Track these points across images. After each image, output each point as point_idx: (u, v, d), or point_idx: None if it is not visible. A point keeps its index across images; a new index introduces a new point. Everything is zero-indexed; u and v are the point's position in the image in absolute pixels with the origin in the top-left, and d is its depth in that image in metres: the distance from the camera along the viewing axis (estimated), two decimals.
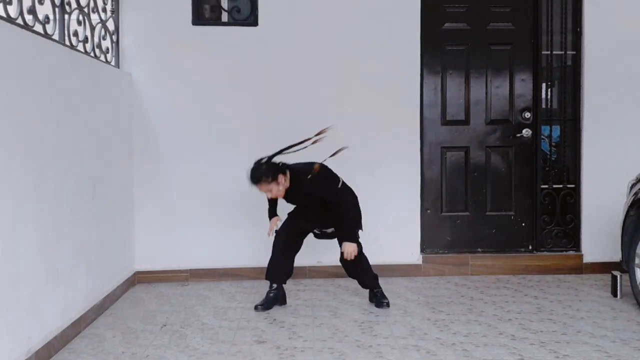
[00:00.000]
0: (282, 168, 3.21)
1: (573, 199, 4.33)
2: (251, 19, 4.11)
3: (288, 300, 3.64)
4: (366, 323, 3.18)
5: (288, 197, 3.36)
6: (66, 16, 3.14)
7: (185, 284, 4.06)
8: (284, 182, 3.20)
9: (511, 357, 2.68)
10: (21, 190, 2.48)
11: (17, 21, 2.57)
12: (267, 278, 3.50)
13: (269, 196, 3.30)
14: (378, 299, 3.48)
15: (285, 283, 3.52)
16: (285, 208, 3.55)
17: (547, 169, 4.35)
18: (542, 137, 4.33)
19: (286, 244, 3.46)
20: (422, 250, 4.28)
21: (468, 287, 3.94)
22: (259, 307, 3.42)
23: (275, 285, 3.48)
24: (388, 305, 3.45)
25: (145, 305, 3.57)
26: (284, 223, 3.48)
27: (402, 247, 4.22)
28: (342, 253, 3.34)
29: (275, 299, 3.47)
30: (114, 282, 3.64)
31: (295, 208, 3.51)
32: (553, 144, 4.35)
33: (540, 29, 4.27)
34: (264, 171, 3.15)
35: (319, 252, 4.12)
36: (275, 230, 3.47)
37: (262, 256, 4.14)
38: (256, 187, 3.19)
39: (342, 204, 3.29)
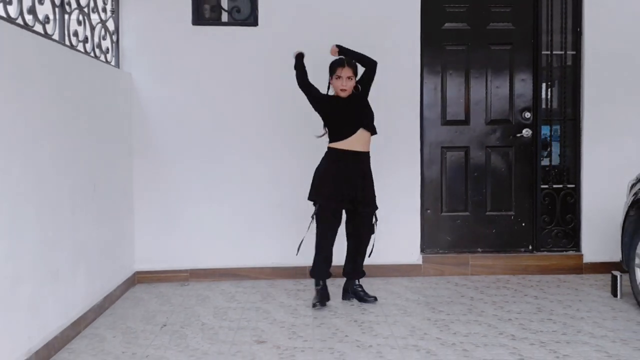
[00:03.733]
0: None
1: (573, 199, 4.33)
2: (251, 19, 4.11)
3: (288, 300, 3.65)
4: (366, 323, 3.18)
5: (340, 107, 3.43)
6: (66, 16, 3.14)
7: (186, 284, 4.05)
8: (353, 86, 3.46)
9: (511, 357, 2.68)
10: (21, 190, 2.48)
11: (17, 21, 2.56)
12: (314, 277, 3.54)
13: (340, 85, 3.42)
14: (363, 293, 3.55)
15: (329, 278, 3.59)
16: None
17: (547, 169, 4.35)
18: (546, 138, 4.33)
19: (331, 239, 3.49)
20: (422, 250, 4.27)
21: (468, 287, 3.94)
22: (317, 304, 3.45)
23: (321, 282, 3.53)
24: (376, 299, 3.56)
25: (145, 305, 3.57)
26: (324, 219, 3.44)
27: (402, 247, 4.21)
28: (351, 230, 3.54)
29: (324, 293, 3.52)
30: (114, 282, 3.64)
31: (329, 189, 3.43)
32: (553, 143, 4.35)
33: (541, 29, 4.27)
34: (355, 65, 3.48)
35: None
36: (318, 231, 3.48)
37: (262, 256, 4.16)
38: (340, 69, 3.42)
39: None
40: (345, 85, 3.42)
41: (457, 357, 2.69)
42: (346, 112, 3.45)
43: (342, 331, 3.05)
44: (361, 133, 3.43)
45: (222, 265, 4.13)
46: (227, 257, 4.14)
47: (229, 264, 4.14)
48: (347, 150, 3.42)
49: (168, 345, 2.86)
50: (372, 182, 3.53)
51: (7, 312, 2.35)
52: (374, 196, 3.53)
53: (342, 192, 3.43)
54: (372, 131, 3.48)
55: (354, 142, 3.43)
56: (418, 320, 3.23)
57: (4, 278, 2.32)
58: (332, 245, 3.51)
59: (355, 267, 3.59)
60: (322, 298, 3.49)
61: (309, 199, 3.52)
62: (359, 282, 3.61)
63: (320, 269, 3.52)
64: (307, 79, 3.53)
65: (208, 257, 4.12)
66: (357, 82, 3.49)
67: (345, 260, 3.62)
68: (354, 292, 3.60)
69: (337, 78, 3.44)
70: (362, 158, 3.47)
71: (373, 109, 4.25)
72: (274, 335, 2.99)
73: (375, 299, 3.57)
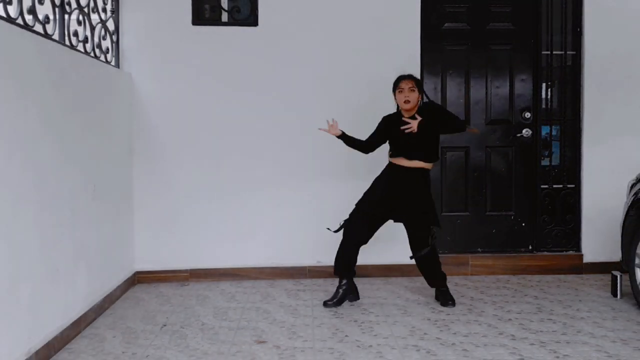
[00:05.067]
0: (423, 93, 3.50)
1: (573, 199, 4.34)
2: (251, 19, 4.12)
3: (288, 300, 3.64)
4: (366, 323, 3.19)
5: (400, 132, 3.37)
6: (66, 16, 3.15)
7: (185, 284, 4.06)
8: (417, 98, 3.40)
9: (511, 357, 2.68)
10: (21, 190, 2.48)
11: (17, 21, 2.57)
12: (335, 272, 3.52)
13: (403, 97, 3.36)
14: (445, 298, 3.49)
15: (354, 277, 3.54)
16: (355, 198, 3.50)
17: (547, 169, 4.36)
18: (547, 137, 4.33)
19: (360, 235, 3.45)
20: None
21: (468, 287, 3.95)
22: (329, 302, 3.45)
23: (345, 281, 3.50)
24: (453, 304, 3.46)
25: (145, 305, 3.58)
26: (357, 213, 3.44)
27: (402, 247, 4.18)
28: (413, 251, 3.47)
29: (345, 294, 3.50)
30: (114, 282, 3.65)
31: (376, 196, 3.45)
32: (553, 143, 4.36)
33: (540, 29, 4.28)
34: (416, 77, 3.45)
35: (318, 252, 4.12)
36: (346, 221, 3.45)
37: (262, 256, 4.17)
38: (402, 82, 3.40)
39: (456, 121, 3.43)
40: (408, 96, 3.36)
41: (457, 357, 2.69)
42: (401, 136, 3.39)
43: (342, 331, 3.05)
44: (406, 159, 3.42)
45: (222, 265, 4.14)
46: (227, 257, 4.14)
47: (229, 264, 4.14)
48: (397, 165, 3.44)
49: (168, 345, 2.87)
50: (423, 198, 3.42)
51: (7, 312, 2.35)
52: (425, 213, 3.41)
53: (380, 201, 3.42)
54: (424, 160, 3.41)
55: (402, 161, 3.43)
56: (418, 320, 3.23)
57: (4, 278, 2.33)
58: (351, 252, 3.46)
59: (428, 281, 3.56)
60: (335, 298, 3.48)
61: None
62: (444, 286, 3.54)
63: (338, 264, 3.49)
64: (365, 143, 3.51)
65: (208, 257, 4.13)
66: (428, 120, 3.35)
67: None
68: (436, 297, 3.57)
69: (399, 92, 3.40)
70: (412, 173, 3.40)
71: (374, 110, 4.24)
72: (274, 335, 3.00)
73: (452, 304, 3.46)
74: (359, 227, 3.44)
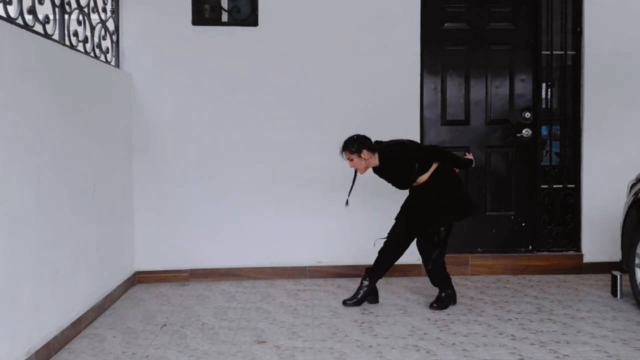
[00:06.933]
0: (371, 146, 3.33)
1: (573, 199, 4.34)
2: (251, 19, 4.12)
3: (288, 300, 3.64)
4: (366, 323, 3.19)
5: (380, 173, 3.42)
6: (66, 16, 3.15)
7: (185, 284, 4.06)
8: (368, 158, 3.32)
9: (511, 357, 2.68)
10: (21, 190, 2.49)
11: (17, 21, 2.57)
12: (365, 273, 3.51)
13: (350, 166, 3.37)
14: (435, 299, 3.47)
15: (377, 280, 3.52)
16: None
17: (547, 169, 4.36)
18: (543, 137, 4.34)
19: (401, 249, 3.44)
20: None
21: (468, 287, 3.95)
22: (348, 302, 3.46)
23: (366, 282, 3.49)
24: (439, 308, 3.41)
25: (145, 305, 3.58)
26: (398, 226, 3.43)
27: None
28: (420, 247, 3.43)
29: (365, 296, 3.49)
30: (114, 282, 3.65)
31: (407, 203, 3.46)
32: (553, 143, 4.36)
33: (541, 29, 4.28)
34: (352, 142, 3.33)
35: (318, 252, 4.12)
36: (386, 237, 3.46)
37: (262, 256, 4.17)
38: (342, 153, 3.36)
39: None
40: (353, 166, 3.36)
41: (457, 357, 2.69)
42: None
43: (342, 331, 3.06)
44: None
45: (222, 265, 4.14)
46: (227, 257, 4.14)
47: (229, 264, 4.14)
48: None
49: (168, 345, 2.87)
50: (421, 207, 3.38)
51: (7, 312, 2.35)
52: (418, 218, 3.38)
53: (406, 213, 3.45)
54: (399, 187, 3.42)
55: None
56: (418, 320, 3.24)
57: (4, 278, 2.33)
58: (390, 263, 3.46)
59: (431, 280, 3.51)
60: (355, 298, 3.48)
61: None
62: (441, 290, 3.48)
63: (375, 267, 3.47)
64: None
65: (208, 257, 4.13)
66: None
67: None
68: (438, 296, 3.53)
69: (346, 160, 3.40)
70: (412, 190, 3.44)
71: (373, 110, 4.22)
72: (274, 335, 3.00)
73: (434, 307, 3.42)
74: (401, 241, 3.42)
